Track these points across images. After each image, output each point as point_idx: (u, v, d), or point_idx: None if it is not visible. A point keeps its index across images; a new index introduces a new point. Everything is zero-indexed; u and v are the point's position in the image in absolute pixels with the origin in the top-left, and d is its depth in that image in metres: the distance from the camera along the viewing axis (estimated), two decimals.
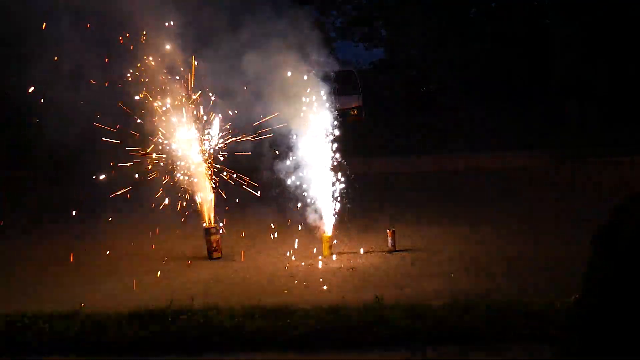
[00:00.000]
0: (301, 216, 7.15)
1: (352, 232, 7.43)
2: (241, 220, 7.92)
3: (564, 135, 14.62)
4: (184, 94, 6.83)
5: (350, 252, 6.79)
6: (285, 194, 7.10)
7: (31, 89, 6.64)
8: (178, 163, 6.92)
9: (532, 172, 11.42)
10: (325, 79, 6.85)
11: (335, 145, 7.01)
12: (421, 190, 10.24)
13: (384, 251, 6.76)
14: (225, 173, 7.09)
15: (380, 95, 20.44)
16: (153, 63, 6.65)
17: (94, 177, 7.07)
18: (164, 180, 6.93)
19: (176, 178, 6.94)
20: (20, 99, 7.07)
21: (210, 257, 6.81)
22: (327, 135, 6.92)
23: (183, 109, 6.83)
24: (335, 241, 6.92)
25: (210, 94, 6.90)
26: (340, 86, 7.72)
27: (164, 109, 6.80)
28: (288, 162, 6.89)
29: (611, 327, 1.86)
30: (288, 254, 6.80)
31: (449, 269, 6.08)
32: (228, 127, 7.02)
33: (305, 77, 6.75)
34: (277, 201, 7.51)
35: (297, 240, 7.05)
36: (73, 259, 6.85)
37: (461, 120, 16.71)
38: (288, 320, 4.63)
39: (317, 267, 6.38)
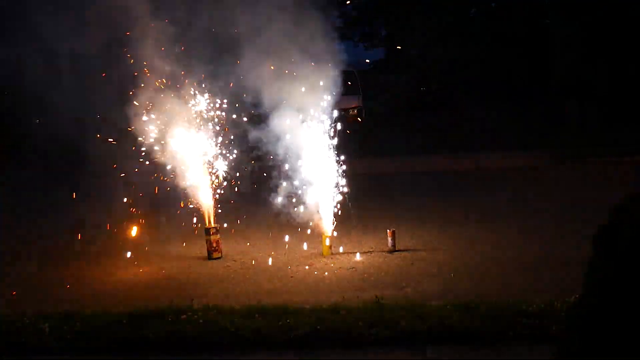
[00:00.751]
0: (301, 216, 7.14)
1: (352, 232, 7.44)
2: (241, 220, 7.92)
3: (564, 135, 14.61)
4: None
5: (350, 252, 6.79)
6: (284, 193, 7.08)
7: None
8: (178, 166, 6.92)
9: (532, 172, 11.43)
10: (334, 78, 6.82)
11: (335, 143, 7.00)
12: (421, 190, 10.25)
13: (384, 251, 6.76)
14: (224, 174, 7.09)
15: (380, 95, 20.44)
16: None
17: (93, 178, 7.06)
18: (165, 180, 6.93)
19: (176, 178, 6.93)
20: (20, 99, 7.05)
21: (210, 257, 6.81)
22: (327, 131, 6.90)
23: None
24: (335, 240, 6.92)
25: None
26: (340, 86, 7.70)
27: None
28: (287, 166, 6.88)
29: (611, 327, 1.86)
30: (288, 254, 6.80)
31: (449, 269, 6.08)
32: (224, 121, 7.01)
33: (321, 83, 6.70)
34: (277, 201, 7.49)
35: (296, 240, 7.05)
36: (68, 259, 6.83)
37: (461, 120, 16.71)
38: (288, 320, 4.63)
39: (317, 267, 6.38)
